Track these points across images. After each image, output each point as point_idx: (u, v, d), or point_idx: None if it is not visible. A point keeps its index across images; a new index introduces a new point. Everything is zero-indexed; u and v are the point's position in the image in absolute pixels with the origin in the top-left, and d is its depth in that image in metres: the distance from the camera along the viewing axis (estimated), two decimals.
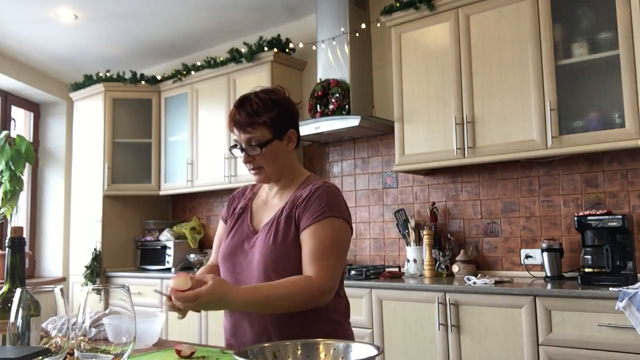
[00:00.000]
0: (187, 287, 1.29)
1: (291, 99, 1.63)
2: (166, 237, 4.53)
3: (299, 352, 1.10)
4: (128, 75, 4.65)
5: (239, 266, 1.56)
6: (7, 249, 1.18)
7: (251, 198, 1.70)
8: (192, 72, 4.37)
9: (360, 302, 2.99)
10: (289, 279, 1.41)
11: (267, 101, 1.54)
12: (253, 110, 1.52)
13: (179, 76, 4.43)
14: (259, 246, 1.53)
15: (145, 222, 4.78)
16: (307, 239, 1.47)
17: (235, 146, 1.58)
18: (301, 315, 1.45)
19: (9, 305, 1.03)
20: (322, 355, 1.09)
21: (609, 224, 2.57)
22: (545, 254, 2.89)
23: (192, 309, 1.32)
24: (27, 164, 4.29)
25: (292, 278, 1.42)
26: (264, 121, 1.51)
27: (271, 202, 1.63)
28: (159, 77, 4.64)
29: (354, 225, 3.77)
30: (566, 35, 2.79)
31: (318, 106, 3.57)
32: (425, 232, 3.27)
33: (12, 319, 0.98)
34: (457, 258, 3.21)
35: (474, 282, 2.76)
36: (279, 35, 4.00)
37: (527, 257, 3.08)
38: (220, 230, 1.73)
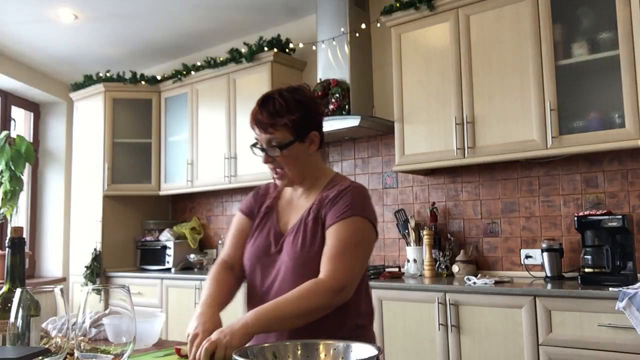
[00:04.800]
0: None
1: (316, 100, 1.60)
2: (166, 237, 4.53)
3: (299, 352, 1.10)
4: (128, 75, 4.65)
5: (267, 269, 1.53)
6: (7, 249, 1.18)
7: (277, 197, 1.66)
8: (192, 72, 4.37)
9: None
10: (297, 287, 1.38)
11: (290, 101, 1.50)
12: (275, 110, 1.48)
13: (179, 76, 4.43)
14: (287, 249, 1.51)
15: (145, 222, 4.78)
16: (328, 237, 1.46)
17: (255, 144, 1.55)
18: (327, 322, 1.41)
19: (9, 305, 1.03)
20: (322, 355, 1.09)
21: (609, 224, 2.56)
22: (545, 254, 2.89)
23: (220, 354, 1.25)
24: (27, 164, 4.29)
25: (301, 285, 1.39)
26: (285, 123, 1.48)
27: (297, 202, 1.60)
28: (159, 77, 4.64)
29: None
30: (566, 35, 2.79)
31: None
32: (425, 232, 3.27)
33: (12, 319, 0.98)
34: (457, 258, 3.21)
35: (474, 282, 2.76)
36: (279, 35, 4.00)
37: (527, 257, 3.08)
38: (239, 223, 1.66)
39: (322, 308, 1.38)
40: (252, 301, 1.55)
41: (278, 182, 1.58)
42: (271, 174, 1.58)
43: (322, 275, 1.40)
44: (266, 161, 1.53)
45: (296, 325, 1.38)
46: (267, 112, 1.49)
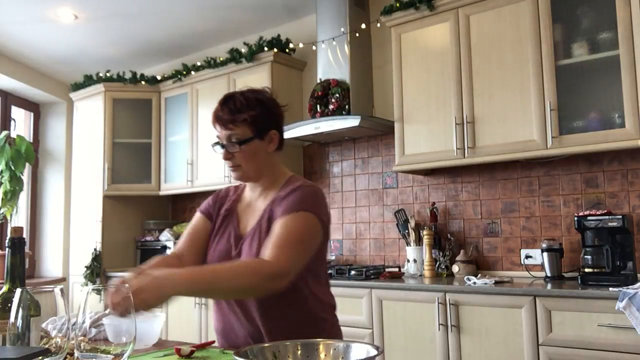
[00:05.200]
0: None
1: (277, 101, 1.62)
2: (166, 237, 4.53)
3: (299, 352, 1.10)
4: (128, 75, 4.65)
5: None
6: (7, 249, 1.18)
7: (236, 200, 1.68)
8: (192, 72, 4.37)
9: (360, 302, 2.99)
10: (241, 260, 1.37)
11: (251, 100, 1.55)
12: (236, 108, 1.53)
13: (179, 76, 4.43)
14: (245, 251, 1.52)
15: (145, 222, 4.78)
16: (275, 228, 1.45)
17: (217, 143, 1.58)
18: (290, 316, 1.46)
19: (9, 305, 1.03)
20: (322, 355, 1.09)
21: (609, 224, 2.56)
22: (545, 254, 2.89)
23: (137, 299, 1.08)
24: (27, 164, 4.29)
25: (245, 259, 1.38)
26: (244, 119, 1.52)
27: (255, 204, 1.62)
28: (159, 77, 4.64)
29: (353, 226, 3.80)
30: (566, 35, 2.79)
31: (318, 106, 3.57)
32: (425, 232, 3.26)
33: (12, 319, 0.98)
34: (457, 258, 3.21)
35: (474, 282, 2.76)
36: (279, 35, 4.00)
37: (527, 257, 3.08)
38: (196, 222, 1.68)
39: (256, 290, 1.37)
40: (219, 303, 1.60)
41: (233, 175, 1.60)
42: (229, 168, 1.60)
43: (267, 257, 1.38)
44: (225, 157, 1.56)
45: (225, 299, 1.38)
46: (228, 109, 1.54)
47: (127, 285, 1.07)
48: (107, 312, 1.07)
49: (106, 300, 1.08)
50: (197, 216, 1.70)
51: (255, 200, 1.63)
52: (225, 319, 1.57)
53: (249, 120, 1.52)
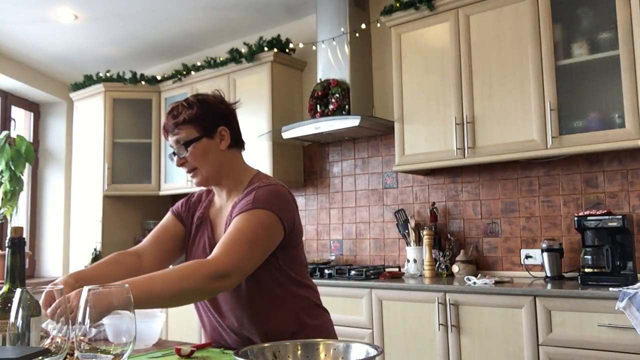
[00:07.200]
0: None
1: (224, 99, 1.60)
2: None
3: (299, 352, 1.10)
4: (128, 75, 4.65)
5: None
6: (7, 249, 1.18)
7: (207, 206, 1.65)
8: (192, 72, 4.37)
9: (360, 302, 2.99)
10: (179, 265, 1.32)
11: (190, 101, 1.55)
12: (178, 112, 1.53)
13: (179, 76, 4.43)
14: None
15: (145, 222, 4.78)
16: (228, 228, 1.43)
17: (173, 154, 1.56)
18: (278, 323, 1.46)
19: (9, 305, 1.03)
20: (322, 355, 1.09)
21: (609, 224, 2.56)
22: (545, 254, 2.89)
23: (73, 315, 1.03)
24: (27, 164, 4.29)
25: (183, 264, 1.33)
26: (184, 119, 1.51)
27: (224, 210, 1.59)
28: (159, 77, 4.64)
29: (353, 226, 3.80)
30: (566, 35, 2.79)
31: (318, 106, 3.57)
32: (425, 232, 3.27)
33: (12, 319, 0.98)
34: (457, 258, 3.21)
35: (474, 282, 2.76)
36: (279, 35, 4.00)
37: (527, 257, 3.08)
38: (165, 221, 1.66)
39: (198, 292, 1.32)
40: (201, 313, 1.61)
41: (194, 181, 1.57)
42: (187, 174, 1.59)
43: (209, 257, 1.35)
44: (179, 163, 1.55)
45: (168, 306, 1.32)
46: (172, 116, 1.54)
47: (59, 287, 1.05)
48: (47, 322, 1.06)
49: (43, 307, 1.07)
50: (168, 216, 1.67)
51: (224, 205, 1.60)
52: (214, 334, 1.58)
53: (191, 120, 1.51)
